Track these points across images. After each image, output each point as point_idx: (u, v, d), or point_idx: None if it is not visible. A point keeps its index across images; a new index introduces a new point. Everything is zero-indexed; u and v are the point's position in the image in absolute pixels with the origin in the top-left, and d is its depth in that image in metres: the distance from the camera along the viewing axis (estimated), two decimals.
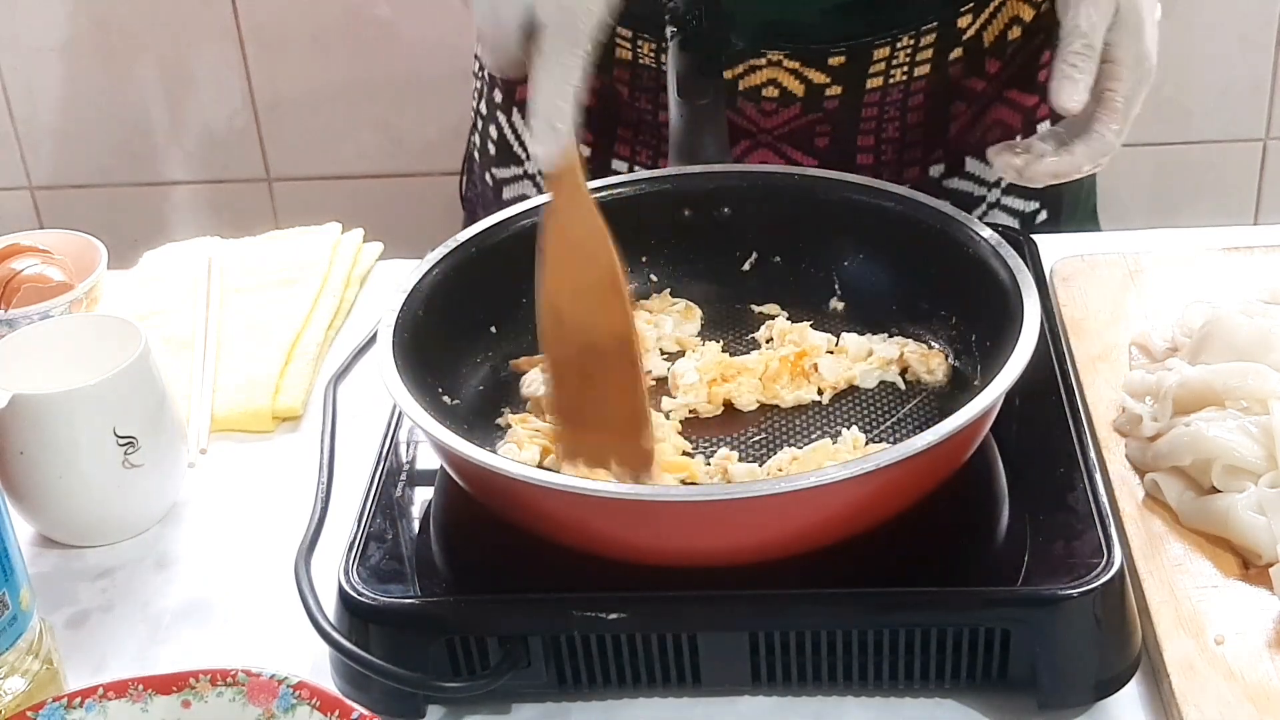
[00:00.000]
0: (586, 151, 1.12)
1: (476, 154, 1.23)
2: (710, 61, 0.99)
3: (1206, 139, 1.93)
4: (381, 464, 0.82)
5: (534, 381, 0.88)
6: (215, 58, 1.94)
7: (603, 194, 0.94)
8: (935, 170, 1.10)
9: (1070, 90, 0.83)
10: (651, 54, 1.06)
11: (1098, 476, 0.77)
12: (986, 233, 0.86)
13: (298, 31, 1.91)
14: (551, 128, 0.73)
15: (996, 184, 1.12)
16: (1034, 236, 1.00)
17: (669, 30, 0.97)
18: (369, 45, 1.90)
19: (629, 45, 1.06)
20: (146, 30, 1.93)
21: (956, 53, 1.06)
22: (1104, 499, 0.76)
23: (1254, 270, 1.00)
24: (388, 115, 1.96)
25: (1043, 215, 1.14)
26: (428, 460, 0.83)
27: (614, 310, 0.78)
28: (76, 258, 1.05)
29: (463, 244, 0.89)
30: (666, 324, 0.92)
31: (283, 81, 1.95)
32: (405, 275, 0.86)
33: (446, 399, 0.86)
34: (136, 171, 2.03)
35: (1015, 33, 1.08)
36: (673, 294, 0.95)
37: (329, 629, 0.72)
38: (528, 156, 1.16)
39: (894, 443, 0.80)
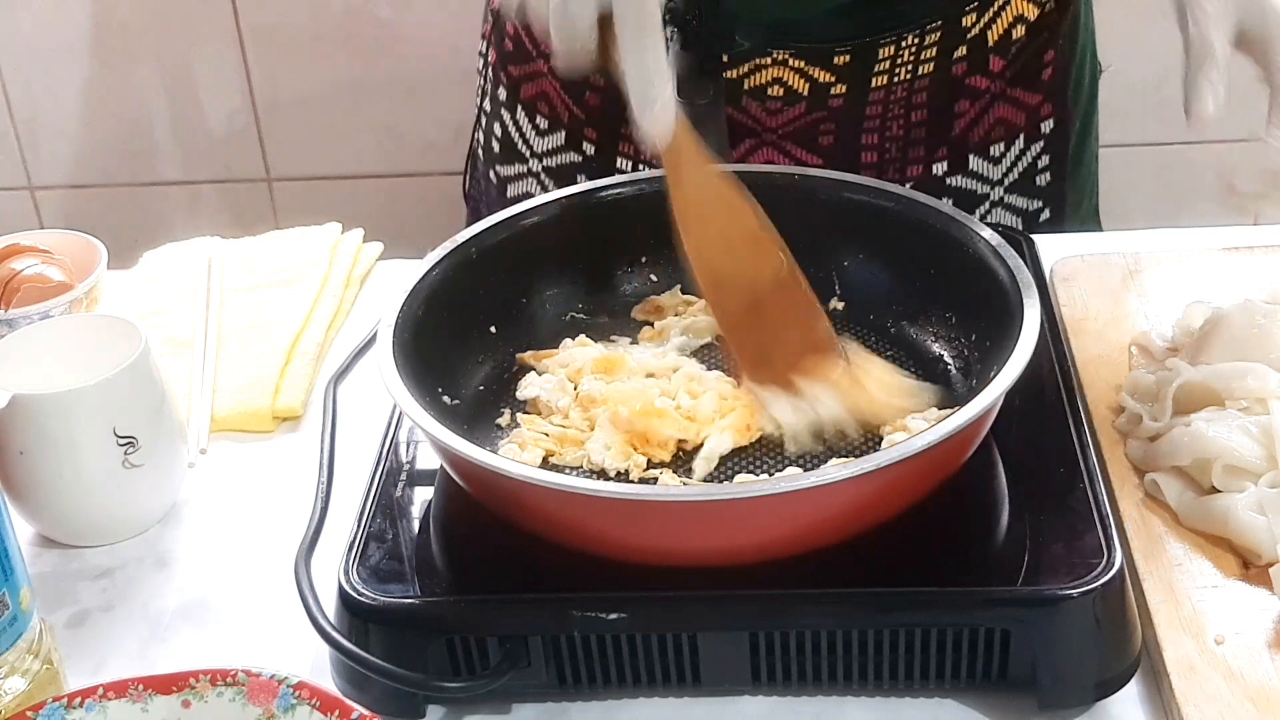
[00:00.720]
0: (590, 150, 1.13)
1: (480, 151, 1.23)
2: (710, 61, 0.99)
3: (1206, 139, 1.93)
4: (381, 464, 0.82)
5: (531, 384, 0.88)
6: (215, 58, 1.94)
7: (603, 194, 0.94)
8: (939, 168, 1.10)
9: (1199, 103, 0.81)
10: None
11: (1098, 476, 0.77)
12: (986, 232, 0.86)
13: (298, 31, 1.91)
14: (653, 105, 0.75)
15: (1000, 182, 1.12)
16: (1034, 236, 1.00)
17: (669, 30, 0.96)
18: (369, 45, 1.90)
19: None
20: (146, 30, 1.93)
21: (960, 51, 1.06)
22: (1104, 499, 0.76)
23: (1254, 270, 1.00)
24: (388, 115, 1.96)
25: (1046, 214, 1.14)
26: (428, 460, 0.83)
27: (767, 251, 0.82)
28: (76, 258, 1.05)
29: (462, 244, 0.89)
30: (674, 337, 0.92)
31: (283, 81, 1.95)
32: (405, 275, 0.86)
33: (446, 399, 0.86)
34: (136, 171, 2.03)
35: (1019, 31, 1.08)
36: (682, 290, 0.95)
37: (329, 629, 0.72)
38: (532, 154, 1.16)
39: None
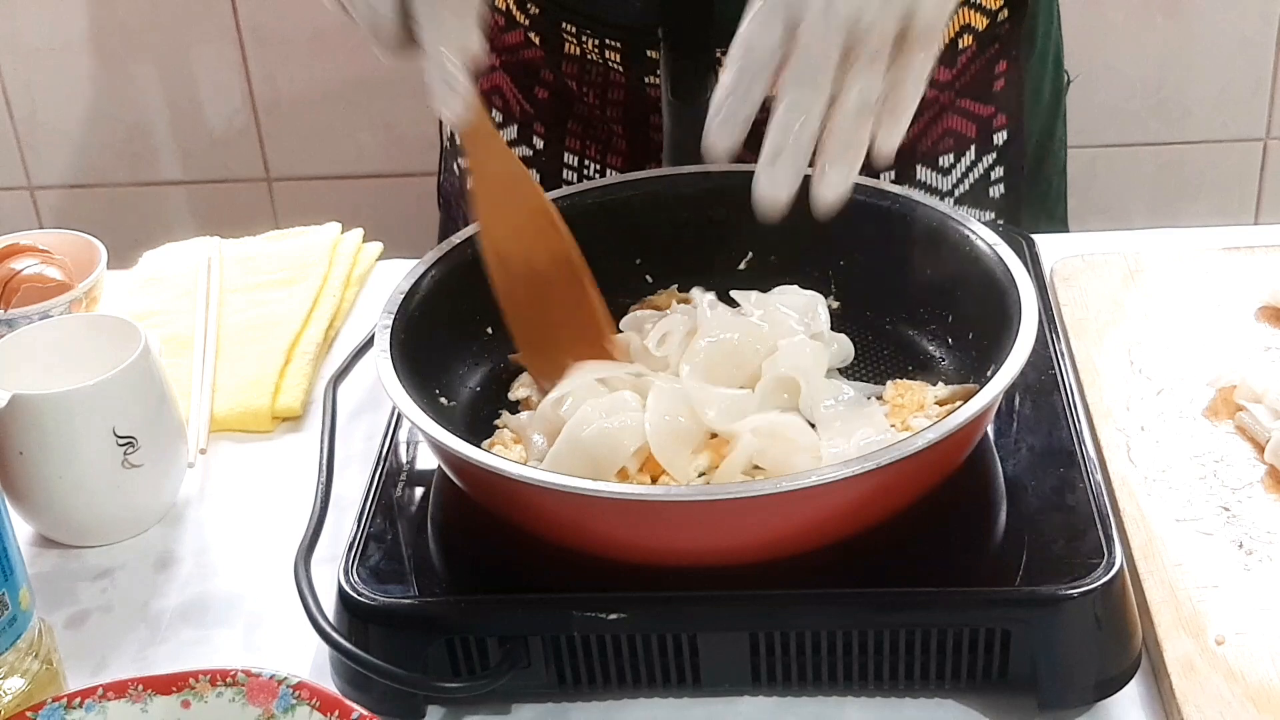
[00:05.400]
0: (540, 144, 1.12)
1: (447, 144, 1.23)
2: (703, 61, 0.98)
3: (1206, 139, 1.93)
4: (381, 464, 0.82)
5: (523, 384, 0.88)
6: (215, 58, 1.94)
7: (598, 195, 0.94)
8: (885, 178, 1.09)
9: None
10: (596, 50, 1.05)
11: (1098, 476, 0.78)
12: (984, 232, 0.86)
13: (298, 31, 1.91)
14: (450, 89, 0.78)
15: (949, 193, 1.11)
16: (1034, 236, 1.00)
17: (660, 30, 0.96)
18: (369, 45, 1.90)
19: (575, 41, 1.06)
20: (146, 30, 1.93)
21: None
22: (1104, 499, 0.76)
23: (1254, 270, 1.00)
24: (388, 115, 1.96)
25: (1000, 225, 1.14)
26: (427, 460, 0.83)
27: (550, 236, 0.84)
28: (76, 258, 1.05)
29: (459, 245, 0.89)
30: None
31: (283, 81, 1.95)
32: (402, 277, 0.86)
33: (443, 400, 0.86)
34: (136, 171, 2.03)
35: (967, 40, 1.06)
36: (678, 289, 0.95)
37: (329, 629, 0.72)
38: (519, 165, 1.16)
39: None
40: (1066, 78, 1.18)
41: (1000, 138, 1.11)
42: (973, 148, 1.10)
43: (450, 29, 0.77)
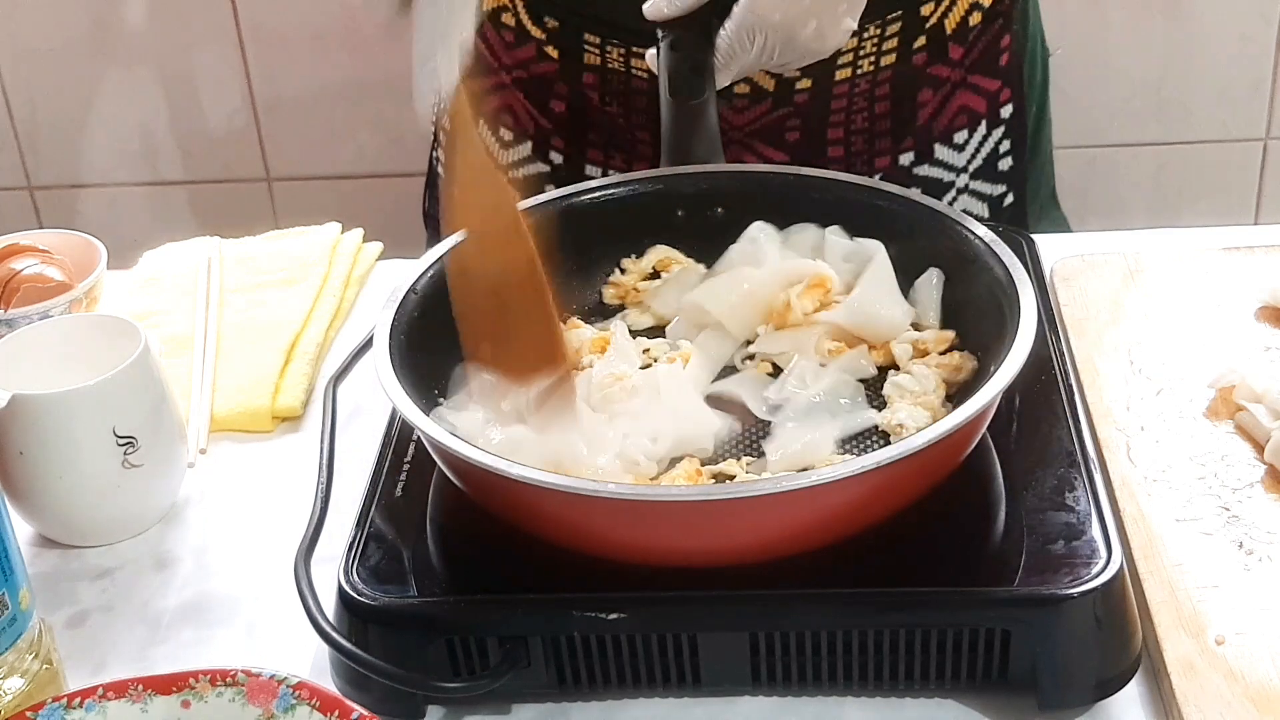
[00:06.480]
0: (558, 159, 1.12)
1: (440, 169, 1.22)
2: (702, 60, 0.98)
3: (1206, 139, 1.93)
4: (381, 464, 0.82)
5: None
6: (215, 58, 1.94)
7: (596, 195, 0.94)
8: (905, 159, 1.10)
9: None
10: (620, 59, 1.06)
11: (1098, 476, 0.78)
12: (983, 232, 0.86)
13: (298, 31, 1.91)
14: (435, 70, 0.75)
15: (965, 169, 1.12)
16: (1034, 236, 1.00)
17: (660, 31, 0.96)
18: (369, 45, 1.90)
19: (597, 51, 1.06)
20: (146, 30, 1.93)
21: (920, 40, 1.07)
22: (1104, 499, 0.76)
23: (1254, 270, 1.00)
24: (388, 115, 1.96)
25: (1009, 199, 1.15)
26: (427, 460, 0.83)
27: (514, 246, 0.79)
28: (76, 258, 1.05)
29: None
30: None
31: (283, 81, 1.95)
32: (401, 278, 0.86)
33: (443, 400, 0.86)
34: (136, 171, 2.03)
35: (976, 18, 1.08)
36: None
37: (329, 629, 0.72)
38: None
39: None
40: (1048, 50, 1.20)
41: (1006, 111, 1.12)
42: (984, 122, 1.12)
43: (442, 12, 0.75)
